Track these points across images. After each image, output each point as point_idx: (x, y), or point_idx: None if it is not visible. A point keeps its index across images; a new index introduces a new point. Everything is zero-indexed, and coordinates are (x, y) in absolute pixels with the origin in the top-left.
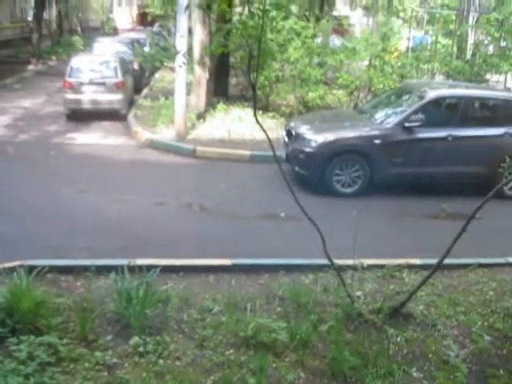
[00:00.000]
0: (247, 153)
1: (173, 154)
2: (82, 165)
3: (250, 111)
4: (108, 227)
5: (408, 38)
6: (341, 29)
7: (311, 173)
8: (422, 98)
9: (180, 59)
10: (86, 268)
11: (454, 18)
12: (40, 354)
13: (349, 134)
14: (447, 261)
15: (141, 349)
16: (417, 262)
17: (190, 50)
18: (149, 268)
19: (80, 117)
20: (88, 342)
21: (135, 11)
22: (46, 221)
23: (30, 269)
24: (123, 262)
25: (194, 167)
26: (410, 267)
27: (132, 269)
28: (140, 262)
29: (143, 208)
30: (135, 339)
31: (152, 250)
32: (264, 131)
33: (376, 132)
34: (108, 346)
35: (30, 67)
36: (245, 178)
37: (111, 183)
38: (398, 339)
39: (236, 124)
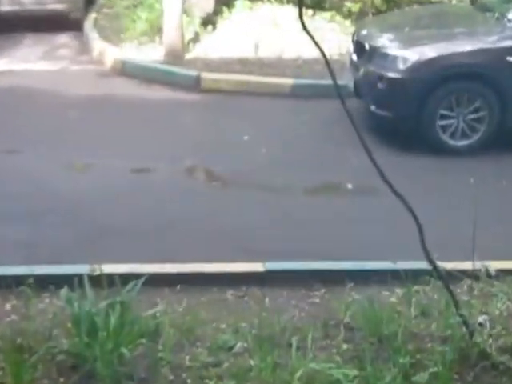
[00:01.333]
0: (287, 81)
1: (160, 85)
2: (12, 107)
3: (291, 10)
4: (56, 210)
5: None
6: None
7: (398, 114)
8: None
9: None
10: (20, 280)
11: None
12: None
13: (463, 46)
14: None
15: None
16: None
17: None
18: (125, 278)
19: (7, 26)
20: None
21: None
22: None
23: None
24: (82, 269)
25: (196, 107)
26: None
27: (97, 280)
28: (110, 268)
29: (114, 178)
30: None
31: (129, 249)
32: (316, 44)
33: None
34: None
35: None
36: (283, 124)
37: (61, 137)
38: None
39: (267, 32)
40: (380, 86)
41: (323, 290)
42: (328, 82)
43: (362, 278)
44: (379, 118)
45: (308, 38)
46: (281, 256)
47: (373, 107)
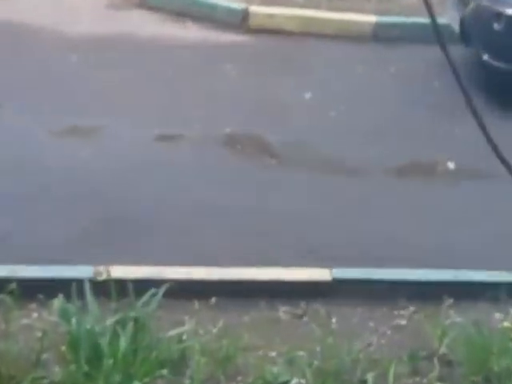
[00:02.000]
0: (367, 19)
1: (193, 21)
2: None
3: None
4: (49, 191)
5: None
6: None
7: None
8: None
9: None
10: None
11: None
12: None
13: None
14: None
15: None
16: None
17: None
18: (141, 286)
19: None
20: None
21: None
22: None
23: None
24: (84, 271)
25: (242, 53)
26: None
27: (103, 288)
28: (121, 271)
29: (130, 148)
30: None
31: (147, 246)
32: None
33: None
34: None
35: None
36: (360, 79)
37: (59, 90)
38: None
39: None
40: (497, 27)
41: (411, 309)
42: (424, 20)
43: (466, 293)
44: (494, 70)
45: None
46: (353, 261)
47: (485, 56)
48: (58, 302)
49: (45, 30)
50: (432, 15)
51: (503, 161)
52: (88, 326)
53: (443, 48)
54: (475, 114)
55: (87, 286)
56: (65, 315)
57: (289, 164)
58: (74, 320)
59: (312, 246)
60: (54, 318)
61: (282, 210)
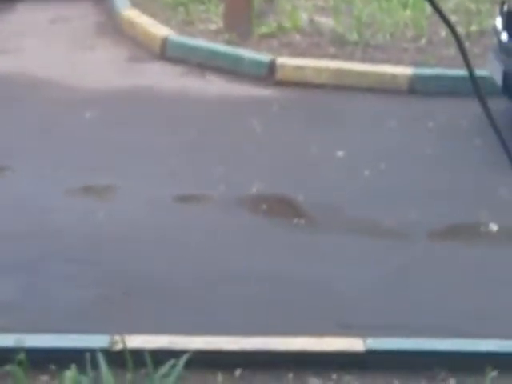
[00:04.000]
0: (404, 71)
1: (217, 74)
2: (3, 103)
3: None
4: (60, 255)
5: None
6: None
7: None
8: None
9: None
10: (5, 356)
11: None
12: None
13: None
14: None
15: None
16: None
17: None
18: (160, 357)
19: None
20: None
21: None
22: None
23: None
24: (98, 340)
25: (268, 107)
26: None
27: (119, 358)
28: (137, 341)
29: (148, 209)
30: None
31: (165, 314)
32: (443, 16)
33: None
34: None
35: None
36: (396, 135)
37: (73, 147)
38: None
39: None
40: None
41: (452, 382)
42: (463, 72)
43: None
44: None
45: (432, 10)
46: (389, 331)
47: None
48: (70, 373)
49: (59, 84)
50: (469, 66)
51: None
52: None
53: (482, 102)
54: None
55: (101, 357)
56: None
57: (319, 226)
58: None
59: (343, 315)
60: None
61: (310, 273)
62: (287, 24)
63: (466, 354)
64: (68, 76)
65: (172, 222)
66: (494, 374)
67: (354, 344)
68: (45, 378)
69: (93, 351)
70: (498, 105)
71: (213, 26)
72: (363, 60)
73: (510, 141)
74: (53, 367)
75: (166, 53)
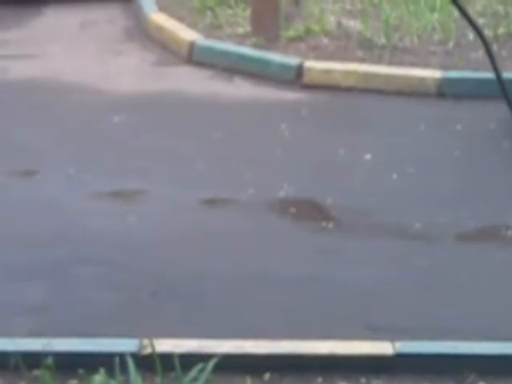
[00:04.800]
0: (432, 74)
1: (244, 78)
2: (29, 108)
3: None
4: (88, 259)
5: None
6: None
7: None
8: None
9: None
10: (33, 360)
11: None
12: None
13: None
14: None
15: None
16: None
17: None
18: (188, 361)
19: None
20: None
21: None
22: None
23: None
24: (127, 344)
25: (296, 111)
26: None
27: (148, 362)
28: (166, 345)
29: (174, 212)
30: None
31: (193, 318)
32: (469, 19)
33: None
34: None
35: None
36: (424, 138)
37: (100, 152)
38: None
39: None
40: None
41: None
42: (491, 75)
43: None
44: None
45: (459, 13)
46: (418, 334)
47: None
48: (99, 377)
49: (87, 88)
50: (496, 68)
51: None
52: None
53: (509, 104)
54: None
55: (130, 361)
56: None
57: (347, 230)
58: None
59: (372, 319)
60: None
61: (340, 277)
62: (315, 27)
63: (496, 357)
64: (96, 80)
65: (200, 225)
66: None
67: (383, 348)
68: (73, 382)
69: (121, 355)
70: None
71: (240, 30)
72: (391, 63)
73: None
74: (81, 371)
75: (194, 57)
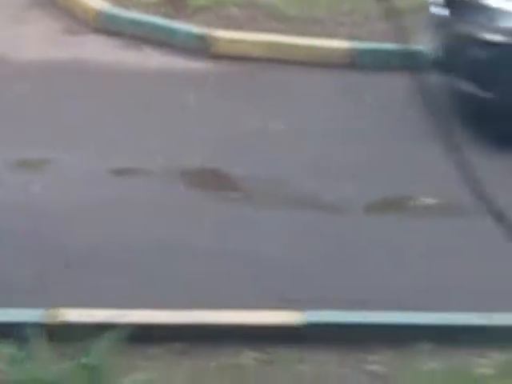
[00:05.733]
0: (340, 45)
1: (153, 47)
2: None
3: None
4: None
5: None
6: None
7: (505, 96)
8: None
9: None
10: None
11: None
12: None
13: None
14: None
15: None
16: None
17: None
18: (97, 330)
19: None
20: None
21: None
22: None
23: None
24: (34, 314)
25: (204, 81)
26: None
27: (57, 332)
28: (75, 315)
29: (82, 182)
30: None
31: (104, 287)
32: None
33: None
34: None
35: None
36: (334, 109)
37: (4, 120)
38: None
39: None
40: (479, 54)
41: (389, 355)
42: (399, 46)
43: (446, 337)
44: (475, 101)
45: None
46: (327, 304)
47: (466, 85)
48: (6, 347)
49: None
50: (405, 41)
51: (481, 196)
52: (38, 374)
53: (414, 75)
54: (454, 146)
55: (37, 331)
56: (14, 362)
57: (256, 200)
58: (21, 367)
59: (281, 289)
60: (1, 366)
61: (247, 247)
62: None
63: (400, 326)
64: (1, 48)
65: (109, 194)
66: (429, 347)
67: (293, 317)
68: None
69: (30, 325)
70: (432, 78)
71: None
72: (299, 33)
73: (444, 112)
74: None
75: (101, 25)
